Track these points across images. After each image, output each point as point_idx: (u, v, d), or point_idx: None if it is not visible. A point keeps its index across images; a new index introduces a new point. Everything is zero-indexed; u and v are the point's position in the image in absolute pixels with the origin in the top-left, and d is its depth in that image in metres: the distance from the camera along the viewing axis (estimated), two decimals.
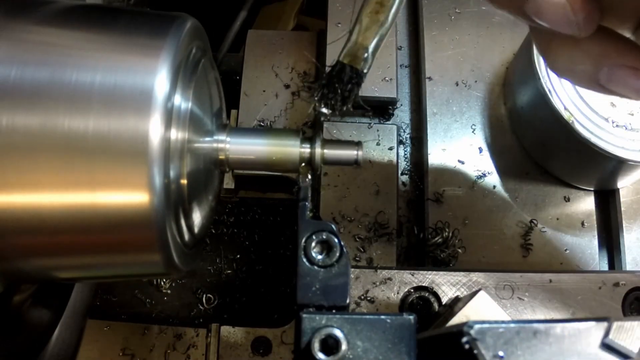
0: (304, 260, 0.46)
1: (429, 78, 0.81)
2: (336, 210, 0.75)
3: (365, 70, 0.49)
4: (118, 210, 0.43)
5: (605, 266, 0.76)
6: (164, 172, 0.43)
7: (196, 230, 0.52)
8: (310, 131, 0.80)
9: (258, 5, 1.04)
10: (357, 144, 0.54)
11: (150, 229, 0.44)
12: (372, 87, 0.78)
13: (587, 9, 0.43)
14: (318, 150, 0.53)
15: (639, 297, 0.65)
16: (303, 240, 0.47)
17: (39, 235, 0.45)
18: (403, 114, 0.83)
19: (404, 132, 0.82)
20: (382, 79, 0.79)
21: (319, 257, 0.47)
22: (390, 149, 0.78)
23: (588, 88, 0.50)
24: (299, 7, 1.11)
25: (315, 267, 0.46)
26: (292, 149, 0.53)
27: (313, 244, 0.47)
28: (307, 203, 0.50)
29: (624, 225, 0.75)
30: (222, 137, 0.53)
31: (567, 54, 0.48)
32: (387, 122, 0.81)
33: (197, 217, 0.52)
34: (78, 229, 0.44)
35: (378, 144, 0.78)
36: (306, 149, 0.53)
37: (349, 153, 0.54)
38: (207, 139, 0.52)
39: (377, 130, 0.79)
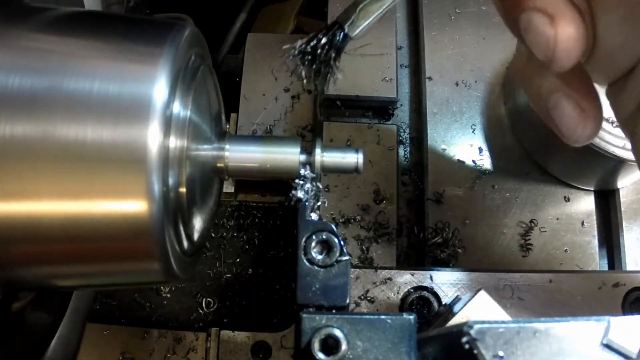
0: (304, 260, 0.46)
1: (429, 78, 0.81)
2: (336, 210, 0.75)
3: (351, 35, 0.48)
4: (116, 219, 0.43)
5: (605, 266, 0.76)
6: (163, 181, 0.43)
7: (195, 238, 0.52)
8: (310, 135, 0.80)
9: (258, 6, 1.04)
10: (357, 151, 0.54)
11: (149, 237, 0.44)
12: (372, 87, 0.78)
13: (568, 47, 0.45)
14: (318, 158, 0.53)
15: (639, 297, 0.65)
16: (303, 240, 0.47)
17: (37, 243, 0.45)
18: (403, 114, 0.83)
19: (404, 132, 0.82)
20: (382, 79, 0.79)
21: (319, 257, 0.47)
22: (390, 149, 0.78)
23: (534, 104, 0.52)
24: (299, 8, 1.11)
25: (315, 267, 0.46)
26: (291, 156, 0.53)
27: (313, 244, 0.47)
28: (307, 203, 0.50)
29: (624, 225, 0.75)
30: (221, 144, 0.53)
31: (536, 66, 0.50)
32: (387, 122, 0.81)
33: (197, 225, 0.52)
34: (76, 237, 0.44)
35: (378, 144, 0.78)
36: (306, 157, 0.53)
37: (349, 161, 0.53)
38: (207, 146, 0.52)
39: (377, 130, 0.79)
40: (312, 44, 0.49)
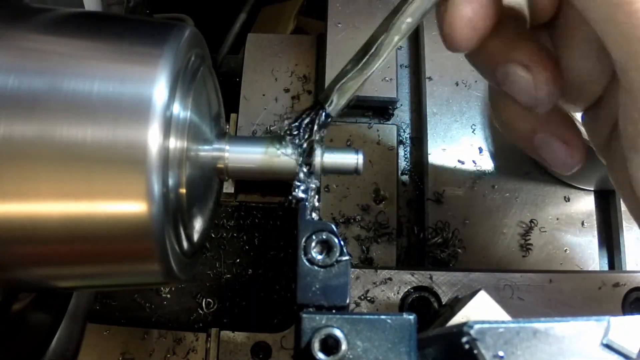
0: (304, 260, 0.46)
1: (429, 78, 0.81)
2: (336, 210, 0.75)
3: (333, 114, 0.51)
4: (116, 220, 0.43)
5: (605, 266, 0.76)
6: (163, 182, 0.43)
7: (195, 238, 0.52)
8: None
9: (258, 6, 1.04)
10: (357, 152, 0.54)
11: (148, 238, 0.44)
12: (372, 87, 0.78)
13: (549, 90, 0.47)
14: (318, 159, 0.53)
15: (639, 297, 0.65)
16: (303, 240, 0.47)
17: (36, 244, 0.45)
18: (403, 114, 0.83)
19: (404, 132, 0.82)
20: (382, 79, 0.79)
21: (319, 257, 0.47)
22: (390, 149, 0.78)
23: (520, 146, 0.54)
24: (299, 8, 1.11)
25: (315, 267, 0.46)
26: (291, 157, 0.53)
27: (313, 244, 0.47)
28: (307, 203, 0.50)
29: (624, 225, 0.75)
30: (221, 145, 0.53)
31: (515, 111, 0.51)
32: (387, 122, 0.81)
33: (196, 226, 0.52)
34: (76, 238, 0.44)
35: (378, 144, 0.78)
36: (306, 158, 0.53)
37: (349, 162, 0.53)
38: (206, 147, 0.52)
39: (377, 130, 0.79)
40: (295, 124, 0.52)
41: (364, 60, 0.50)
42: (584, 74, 0.48)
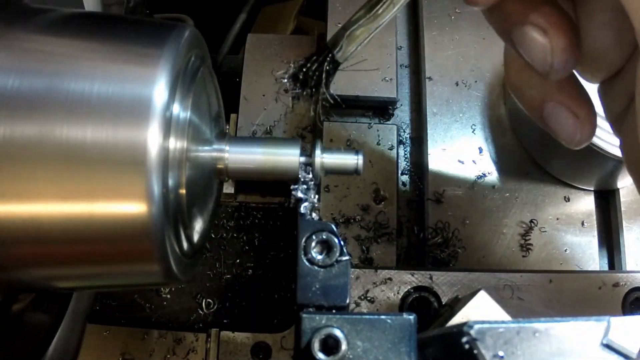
0: (304, 260, 0.46)
1: (429, 78, 0.81)
2: (336, 210, 0.75)
3: (340, 60, 0.50)
4: (116, 220, 0.43)
5: (605, 266, 0.76)
6: (163, 182, 0.43)
7: (195, 239, 0.52)
8: (310, 135, 0.80)
9: (258, 6, 1.04)
10: (357, 152, 0.54)
11: (148, 239, 0.44)
12: (372, 87, 0.78)
13: (565, 57, 0.45)
14: (318, 160, 0.53)
15: (639, 297, 0.65)
16: (303, 240, 0.47)
17: (36, 245, 0.45)
18: (403, 114, 0.83)
19: (404, 132, 0.82)
20: (382, 79, 0.79)
21: (319, 257, 0.47)
22: (390, 149, 0.78)
23: (529, 113, 0.53)
24: (299, 8, 1.11)
25: (315, 267, 0.46)
26: (291, 158, 0.53)
27: (313, 244, 0.47)
28: (307, 203, 0.50)
29: (624, 225, 0.75)
30: (221, 146, 0.53)
31: (527, 76, 0.50)
32: (387, 122, 0.81)
33: (196, 227, 0.52)
34: (76, 239, 0.44)
35: (378, 144, 0.78)
36: (306, 158, 0.53)
37: (349, 162, 0.53)
38: (206, 148, 0.52)
39: (377, 130, 0.79)
40: (303, 69, 0.50)
41: (376, 8, 0.48)
42: (604, 43, 0.46)
